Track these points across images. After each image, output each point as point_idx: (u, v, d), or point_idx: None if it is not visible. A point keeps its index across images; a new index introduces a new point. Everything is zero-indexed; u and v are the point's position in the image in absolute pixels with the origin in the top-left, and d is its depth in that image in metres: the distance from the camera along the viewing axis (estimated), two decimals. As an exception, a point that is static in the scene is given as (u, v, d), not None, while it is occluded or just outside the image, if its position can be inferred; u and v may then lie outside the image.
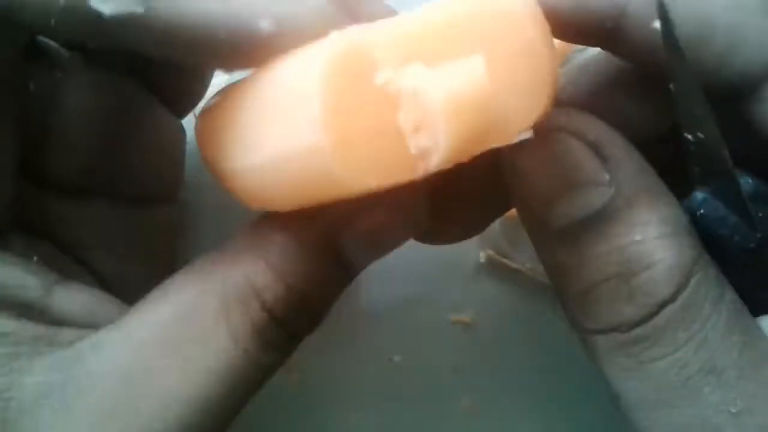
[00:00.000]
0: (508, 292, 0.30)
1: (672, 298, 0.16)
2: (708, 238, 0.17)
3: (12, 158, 0.20)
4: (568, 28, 0.18)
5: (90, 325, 0.19)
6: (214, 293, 0.18)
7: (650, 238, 0.16)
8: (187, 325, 0.18)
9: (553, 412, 0.30)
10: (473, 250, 0.30)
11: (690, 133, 0.16)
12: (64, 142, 0.22)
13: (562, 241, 0.17)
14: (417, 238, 0.21)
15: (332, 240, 0.18)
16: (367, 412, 0.30)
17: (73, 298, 0.20)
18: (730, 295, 0.17)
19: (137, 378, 0.17)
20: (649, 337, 0.16)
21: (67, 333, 0.19)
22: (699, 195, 0.18)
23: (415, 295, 0.30)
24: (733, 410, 0.16)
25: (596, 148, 0.17)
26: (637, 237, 0.16)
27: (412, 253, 0.30)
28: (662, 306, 0.16)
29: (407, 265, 0.30)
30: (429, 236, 0.22)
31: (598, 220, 0.17)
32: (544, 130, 0.16)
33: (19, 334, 0.18)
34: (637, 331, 0.16)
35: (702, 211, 0.17)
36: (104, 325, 0.19)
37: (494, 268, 0.30)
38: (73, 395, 0.17)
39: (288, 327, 0.19)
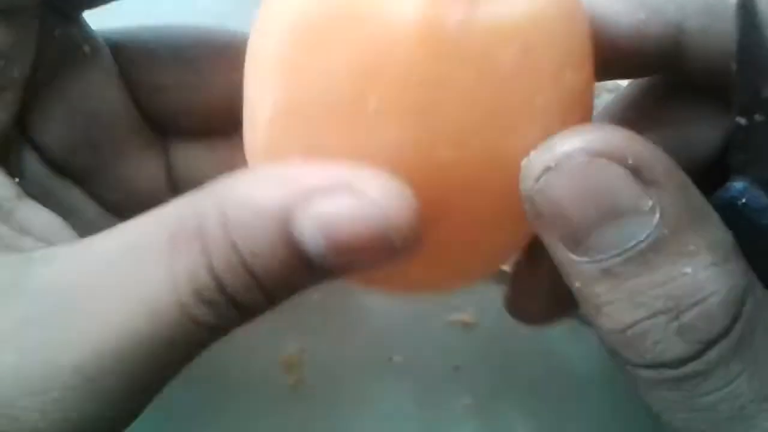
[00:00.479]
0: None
1: (726, 333, 0.15)
2: (751, 230, 0.16)
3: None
4: (629, 60, 0.18)
5: (47, 242, 0.19)
6: (163, 231, 0.16)
7: (700, 269, 0.15)
8: (133, 259, 0.16)
9: (552, 411, 0.30)
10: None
11: (746, 116, 0.16)
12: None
13: (602, 276, 0.16)
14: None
15: (291, 219, 0.15)
16: (366, 411, 0.30)
17: (38, 214, 0.20)
18: None
19: (76, 297, 0.16)
20: (701, 373, 0.15)
21: (26, 241, 0.19)
22: (738, 184, 0.17)
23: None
24: None
25: (637, 172, 0.15)
26: (687, 269, 0.15)
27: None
28: (716, 341, 0.15)
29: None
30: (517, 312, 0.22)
31: (642, 252, 0.15)
32: (578, 155, 0.15)
33: None
34: (688, 368, 0.15)
35: (744, 200, 0.17)
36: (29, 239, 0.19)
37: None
38: (14, 296, 0.17)
39: (232, 297, 0.16)
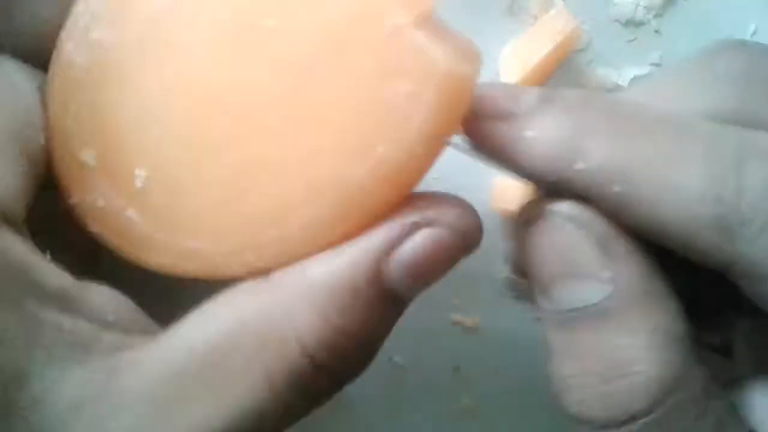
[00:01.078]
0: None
1: (646, 412, 0.16)
2: None
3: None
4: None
5: (120, 327, 0.19)
6: (251, 330, 0.18)
7: (636, 346, 0.16)
8: (223, 359, 0.18)
9: (553, 412, 0.30)
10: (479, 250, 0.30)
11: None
12: None
13: (556, 322, 0.17)
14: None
15: (379, 271, 0.18)
16: (366, 411, 0.30)
17: (103, 293, 0.19)
18: (718, 412, 0.16)
19: (169, 403, 0.18)
20: None
21: (106, 338, 0.18)
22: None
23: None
24: None
25: (603, 244, 0.16)
26: (624, 341, 0.16)
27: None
28: (634, 417, 0.16)
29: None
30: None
31: (592, 315, 0.16)
32: (555, 216, 0.17)
33: (60, 332, 0.18)
34: None
35: None
36: (133, 330, 0.19)
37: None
38: (106, 412, 0.18)
39: (330, 373, 0.18)
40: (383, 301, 0.18)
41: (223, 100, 0.18)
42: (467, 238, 0.18)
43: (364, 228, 0.18)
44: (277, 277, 0.18)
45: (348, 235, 0.18)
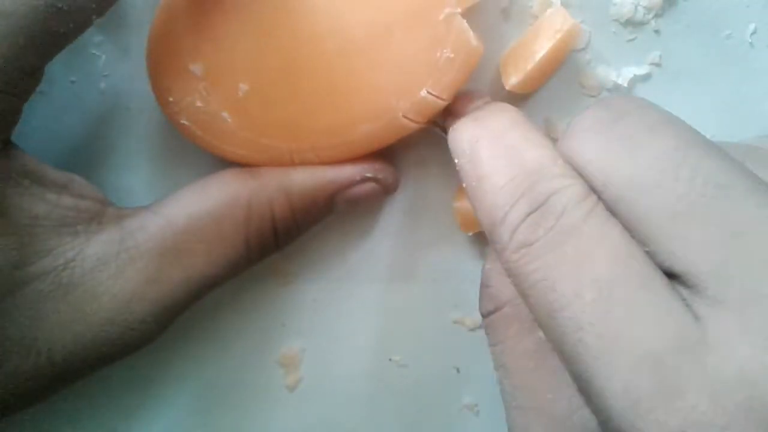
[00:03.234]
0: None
1: (486, 314, 0.24)
2: None
3: None
4: None
5: (107, 202, 0.26)
6: (243, 206, 0.25)
7: (493, 270, 0.23)
8: (218, 225, 0.25)
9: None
10: (477, 250, 0.30)
11: None
12: None
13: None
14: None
15: (332, 196, 0.27)
16: (366, 411, 0.30)
17: (78, 179, 0.25)
18: None
19: (172, 255, 0.25)
20: (488, 326, 0.23)
21: (109, 211, 0.25)
22: None
23: (415, 294, 0.30)
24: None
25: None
26: (489, 266, 0.24)
27: (413, 251, 0.30)
28: (486, 315, 0.24)
29: (409, 263, 0.30)
30: None
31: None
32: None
33: (77, 211, 0.24)
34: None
35: None
36: (110, 209, 0.25)
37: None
38: (124, 263, 0.24)
39: (278, 240, 0.27)
40: (326, 210, 0.27)
41: (321, 41, 0.25)
42: (389, 190, 0.28)
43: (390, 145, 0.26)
44: (263, 172, 0.26)
45: (377, 150, 0.27)
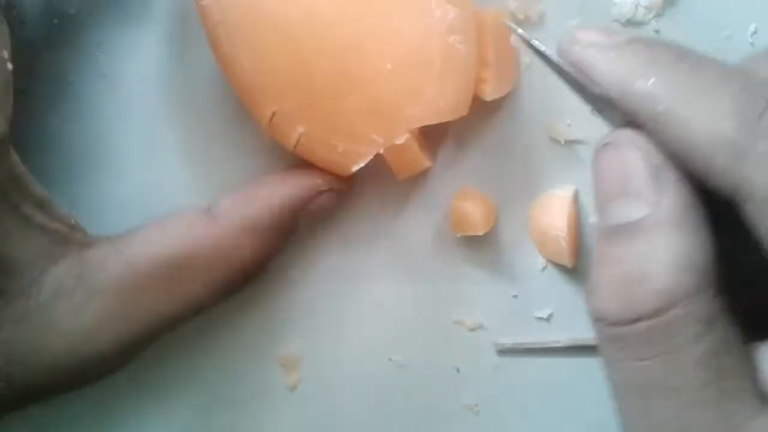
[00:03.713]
0: (509, 292, 0.30)
1: (648, 317, 0.18)
2: None
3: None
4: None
5: (78, 228, 0.25)
6: (206, 253, 0.25)
7: (657, 261, 0.18)
8: (180, 270, 0.25)
9: (553, 411, 0.30)
10: (477, 251, 0.30)
11: None
12: None
13: (602, 235, 0.20)
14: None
15: (296, 217, 0.27)
16: (367, 411, 0.30)
17: (57, 205, 0.24)
18: (716, 342, 0.18)
19: (130, 296, 0.24)
20: (622, 338, 0.19)
21: (76, 237, 0.24)
22: None
23: (415, 294, 0.30)
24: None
25: (655, 171, 0.19)
26: (649, 256, 0.18)
27: (413, 251, 0.30)
28: (639, 319, 0.18)
29: (410, 263, 0.30)
30: None
31: (631, 229, 0.19)
32: (621, 141, 0.19)
33: (46, 231, 0.24)
34: (614, 330, 0.19)
35: None
36: (77, 235, 0.25)
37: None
38: (81, 300, 0.24)
39: (247, 277, 0.27)
40: (292, 232, 0.27)
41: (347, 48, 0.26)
42: (341, 196, 0.28)
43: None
44: (225, 213, 0.26)
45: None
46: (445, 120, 0.26)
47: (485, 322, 0.30)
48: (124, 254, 0.24)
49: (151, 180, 0.29)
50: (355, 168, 0.26)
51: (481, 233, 0.28)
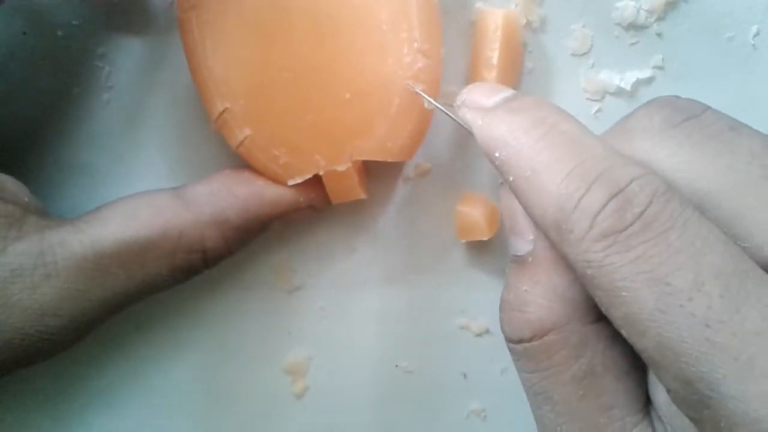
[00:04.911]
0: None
1: (528, 340, 0.21)
2: None
3: None
4: None
5: (33, 209, 0.25)
6: (172, 238, 0.25)
7: (533, 293, 0.21)
8: (143, 254, 0.25)
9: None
10: (483, 256, 0.30)
11: None
12: None
13: (509, 262, 0.22)
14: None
15: (267, 223, 0.27)
16: (374, 418, 0.30)
17: (9, 180, 0.25)
18: (593, 364, 0.20)
19: (91, 275, 0.24)
20: (514, 352, 0.22)
21: (31, 219, 0.24)
22: None
23: (422, 300, 0.30)
24: None
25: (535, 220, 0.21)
26: (528, 287, 0.21)
27: (419, 257, 0.30)
28: (522, 341, 0.21)
29: (416, 269, 0.30)
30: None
31: (519, 261, 0.22)
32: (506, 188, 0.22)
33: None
34: (509, 344, 0.22)
35: None
36: (35, 211, 0.25)
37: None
38: (39, 278, 0.24)
39: (208, 265, 0.27)
40: (258, 233, 0.28)
41: (316, 42, 0.26)
42: (317, 210, 0.28)
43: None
44: (197, 203, 0.26)
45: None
46: (388, 160, 0.26)
47: (491, 328, 0.30)
48: (88, 235, 0.25)
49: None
50: (291, 182, 0.27)
51: (486, 238, 0.28)
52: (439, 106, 0.25)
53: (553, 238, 0.19)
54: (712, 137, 0.19)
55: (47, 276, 0.24)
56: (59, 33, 0.28)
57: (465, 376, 0.30)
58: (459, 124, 0.23)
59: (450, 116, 0.24)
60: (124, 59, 0.28)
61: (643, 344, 0.17)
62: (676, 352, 0.17)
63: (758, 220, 0.18)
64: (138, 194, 0.26)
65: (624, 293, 0.17)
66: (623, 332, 0.18)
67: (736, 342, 0.16)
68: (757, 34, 0.27)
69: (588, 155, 0.19)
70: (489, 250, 0.29)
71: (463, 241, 0.29)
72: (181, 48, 0.26)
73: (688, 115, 0.19)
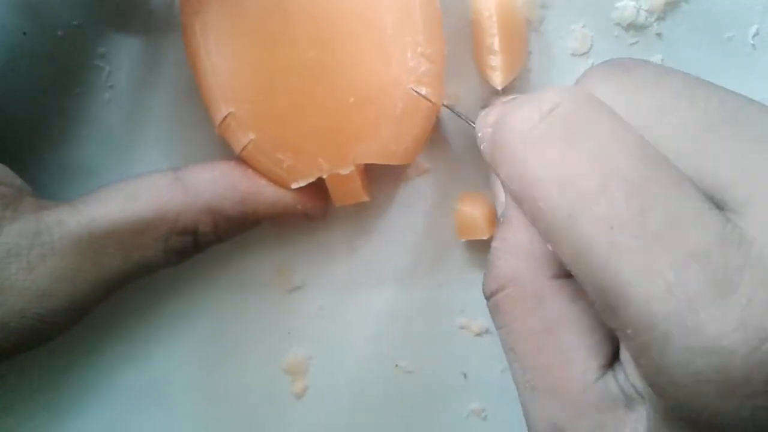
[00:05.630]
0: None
1: (492, 294, 0.22)
2: None
3: None
4: None
5: (25, 191, 0.25)
6: (168, 221, 0.26)
7: (497, 249, 0.22)
8: (140, 234, 0.25)
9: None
10: (483, 255, 0.30)
11: None
12: None
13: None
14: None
15: (259, 220, 0.28)
16: (373, 418, 0.30)
17: (5, 170, 0.25)
18: (552, 315, 0.21)
19: (87, 254, 0.25)
20: (488, 308, 0.22)
21: (26, 200, 0.25)
22: None
23: (421, 300, 0.30)
24: None
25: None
26: (495, 244, 0.22)
27: (419, 257, 0.30)
28: (491, 295, 0.22)
29: (415, 269, 0.30)
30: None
31: (499, 222, 0.23)
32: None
33: None
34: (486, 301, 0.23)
35: None
36: (28, 194, 0.25)
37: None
38: (36, 258, 0.24)
39: (198, 249, 0.27)
40: (250, 227, 0.28)
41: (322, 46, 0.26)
42: (314, 217, 0.29)
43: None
44: (196, 187, 0.26)
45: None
46: (391, 163, 0.26)
47: (491, 327, 0.30)
48: (85, 215, 0.25)
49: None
50: (294, 186, 0.27)
51: (486, 238, 0.28)
52: (460, 113, 0.25)
53: (488, 161, 0.21)
54: (647, 78, 0.20)
55: (43, 256, 0.24)
56: (59, 33, 0.28)
57: (465, 376, 0.30)
58: (469, 124, 0.24)
59: (468, 122, 0.25)
60: (124, 59, 0.28)
61: (564, 257, 0.18)
62: (588, 259, 0.17)
63: (682, 143, 0.18)
64: (139, 176, 0.26)
65: (540, 203, 0.18)
66: (554, 249, 0.18)
67: (638, 244, 0.16)
68: (756, 34, 0.27)
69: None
70: (489, 249, 0.29)
71: (463, 240, 0.29)
72: (182, 47, 0.26)
73: (630, 66, 0.20)
